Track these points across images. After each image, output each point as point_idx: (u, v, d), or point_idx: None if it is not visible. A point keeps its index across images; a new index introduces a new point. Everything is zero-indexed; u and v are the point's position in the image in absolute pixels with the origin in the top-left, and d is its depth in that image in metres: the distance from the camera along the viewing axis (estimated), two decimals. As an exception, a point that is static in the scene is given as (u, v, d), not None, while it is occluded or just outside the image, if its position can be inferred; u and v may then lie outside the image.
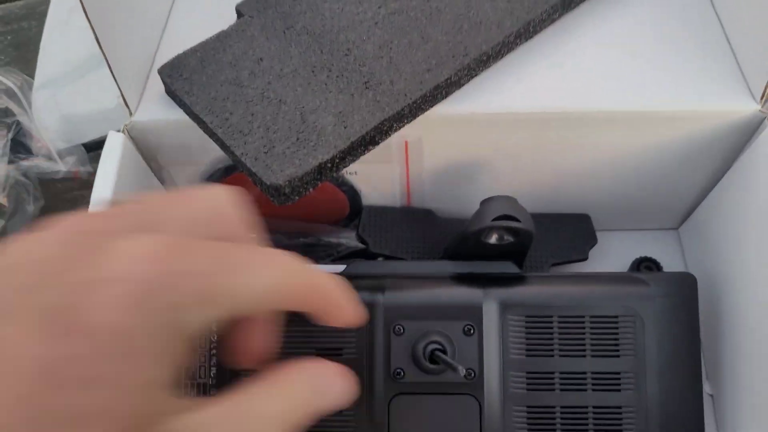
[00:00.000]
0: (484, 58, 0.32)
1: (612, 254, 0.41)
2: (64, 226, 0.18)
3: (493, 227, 0.33)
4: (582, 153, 0.35)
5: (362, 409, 0.32)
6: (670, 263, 0.41)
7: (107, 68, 0.31)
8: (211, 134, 0.30)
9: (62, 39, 0.48)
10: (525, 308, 0.33)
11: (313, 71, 0.31)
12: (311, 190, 0.29)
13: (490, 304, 0.33)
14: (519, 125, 0.33)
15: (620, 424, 0.32)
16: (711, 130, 0.33)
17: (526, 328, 0.33)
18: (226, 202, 0.20)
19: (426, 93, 0.31)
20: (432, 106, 0.32)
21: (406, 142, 0.33)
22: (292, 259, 0.19)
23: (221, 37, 0.33)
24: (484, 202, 0.34)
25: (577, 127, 0.33)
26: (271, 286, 0.18)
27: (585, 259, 0.39)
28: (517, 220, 0.33)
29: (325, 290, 0.20)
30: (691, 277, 0.34)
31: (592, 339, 0.33)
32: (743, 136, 0.33)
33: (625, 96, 0.32)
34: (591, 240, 0.40)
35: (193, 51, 0.33)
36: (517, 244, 0.34)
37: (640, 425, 0.32)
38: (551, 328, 0.33)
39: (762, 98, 0.31)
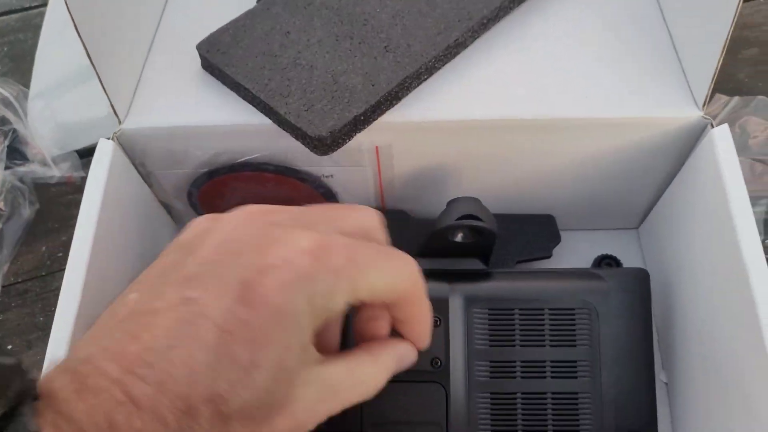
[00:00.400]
0: (485, 21, 0.36)
1: (575, 252, 0.43)
2: (239, 214, 0.24)
3: (458, 226, 0.35)
4: (543, 158, 0.37)
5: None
6: (631, 261, 0.43)
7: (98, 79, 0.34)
8: (253, 99, 0.34)
9: (56, 51, 0.50)
10: (489, 301, 0.35)
11: (337, 40, 0.35)
12: (348, 141, 0.33)
13: (456, 297, 0.35)
14: (481, 132, 0.35)
15: (577, 410, 0.34)
16: (659, 136, 0.35)
17: (490, 319, 0.35)
18: (372, 218, 0.26)
19: (439, 53, 0.35)
20: (444, 65, 0.36)
21: (377, 147, 0.36)
22: (414, 269, 0.25)
23: (249, 16, 0.37)
24: (450, 203, 0.36)
25: (536, 134, 0.35)
26: (394, 286, 0.24)
27: (549, 256, 0.41)
28: (480, 220, 0.35)
29: (421, 305, 0.27)
30: (644, 272, 0.36)
31: (550, 330, 0.35)
32: (689, 141, 0.35)
33: (579, 104, 0.34)
34: (555, 239, 0.42)
35: (224, 29, 0.36)
36: (481, 242, 0.36)
37: (595, 410, 0.34)
38: (513, 319, 0.35)
39: (704, 105, 0.34)
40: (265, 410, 0.21)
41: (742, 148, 0.43)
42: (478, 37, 0.37)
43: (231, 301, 0.21)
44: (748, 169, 0.42)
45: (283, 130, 0.34)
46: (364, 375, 0.26)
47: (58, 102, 0.48)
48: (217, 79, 0.36)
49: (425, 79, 0.35)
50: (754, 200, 0.41)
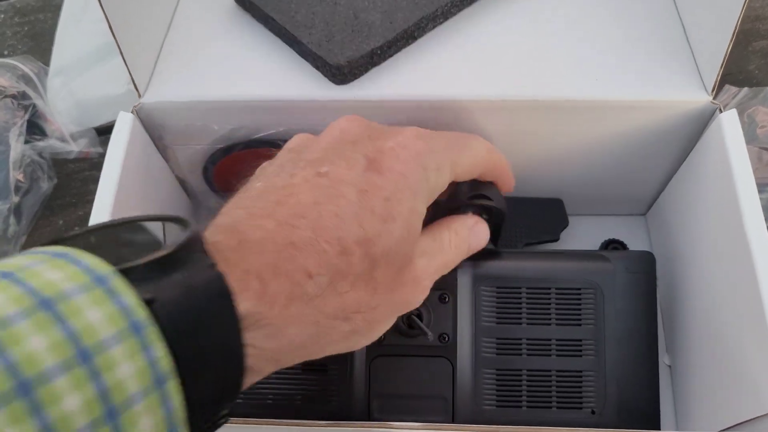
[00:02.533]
0: None
1: (583, 237, 0.44)
2: (334, 126, 0.29)
3: (469, 204, 0.36)
4: (552, 139, 0.38)
5: (345, 370, 0.36)
6: (638, 246, 0.44)
7: (117, 57, 0.34)
8: (279, 30, 0.37)
9: (76, 30, 0.51)
10: (496, 280, 0.36)
11: None
12: (364, 73, 0.36)
13: (465, 275, 0.36)
14: (492, 112, 0.36)
15: (580, 387, 0.35)
16: (668, 120, 0.36)
17: (497, 298, 0.36)
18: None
19: None
20: (459, 11, 0.38)
21: (390, 126, 0.36)
22: (487, 143, 0.31)
23: None
24: (462, 182, 0.37)
25: (546, 115, 0.36)
26: (479, 159, 0.30)
27: (556, 240, 0.42)
28: (490, 199, 0.36)
29: (504, 165, 0.33)
30: (650, 255, 0.37)
31: (556, 309, 0.36)
32: (697, 127, 0.36)
33: (589, 86, 0.35)
34: (563, 222, 0.43)
35: None
36: (491, 222, 0.37)
37: (598, 388, 0.35)
38: (520, 298, 0.36)
39: (713, 90, 0.34)
40: (400, 259, 0.25)
41: (750, 137, 0.44)
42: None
43: (362, 170, 0.25)
44: (756, 158, 0.43)
45: (305, 60, 0.36)
46: (447, 239, 0.30)
47: (77, 80, 0.49)
48: (247, 11, 0.39)
49: (441, 23, 0.38)
50: (761, 188, 0.41)
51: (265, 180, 0.25)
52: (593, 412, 0.35)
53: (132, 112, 0.36)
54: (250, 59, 0.37)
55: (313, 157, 0.26)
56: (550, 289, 0.36)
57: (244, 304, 0.20)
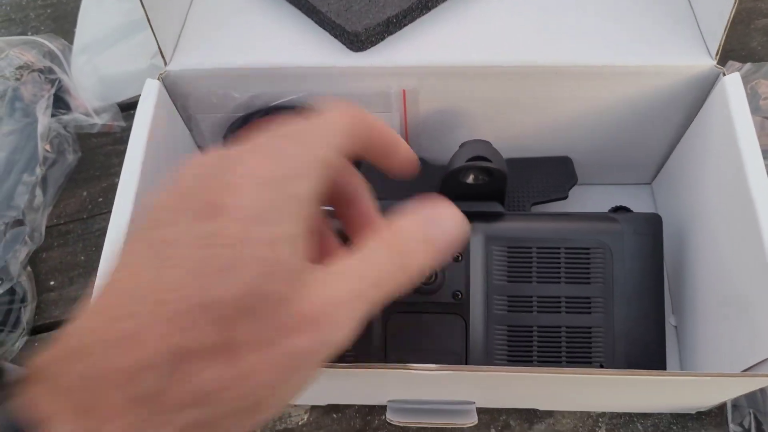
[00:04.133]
0: None
1: (591, 204, 0.45)
2: (191, 166, 0.21)
3: (468, 167, 0.37)
4: (559, 104, 0.39)
5: (361, 327, 0.37)
6: (644, 214, 0.45)
7: (138, 34, 0.36)
8: (299, 1, 0.38)
9: (98, 9, 0.53)
10: (508, 240, 0.37)
11: None
12: (380, 41, 0.37)
13: (477, 235, 0.37)
14: (500, 78, 0.37)
15: (590, 343, 0.36)
16: (672, 85, 0.37)
17: (509, 257, 0.37)
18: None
19: None
20: None
21: (404, 91, 0.38)
22: (352, 108, 0.23)
23: None
24: (461, 146, 0.38)
25: (553, 80, 0.37)
26: (342, 130, 0.22)
27: (565, 197, 0.42)
28: (489, 161, 0.37)
29: (382, 129, 0.24)
30: (657, 216, 0.38)
31: (566, 268, 0.37)
32: (701, 92, 0.37)
33: (595, 51, 0.36)
34: (571, 179, 0.43)
35: None
36: (492, 183, 0.38)
37: (607, 344, 0.36)
38: (530, 257, 0.37)
39: (716, 55, 0.36)
40: (271, 303, 0.19)
41: (754, 108, 0.45)
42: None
43: (199, 220, 0.19)
44: (759, 127, 0.44)
45: (324, 29, 0.38)
46: (371, 250, 0.22)
47: (100, 57, 0.50)
48: None
49: None
50: (764, 154, 0.42)
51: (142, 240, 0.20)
52: (602, 366, 0.36)
53: (158, 79, 0.37)
54: (270, 29, 0.39)
55: (159, 218, 0.20)
56: (559, 248, 0.37)
57: (63, 428, 0.17)
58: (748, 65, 0.49)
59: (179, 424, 0.18)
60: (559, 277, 0.37)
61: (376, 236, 0.22)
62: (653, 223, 0.38)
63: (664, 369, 0.37)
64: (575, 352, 0.36)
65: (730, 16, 0.34)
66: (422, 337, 0.37)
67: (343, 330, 0.20)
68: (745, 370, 0.31)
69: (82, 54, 0.51)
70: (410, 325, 0.37)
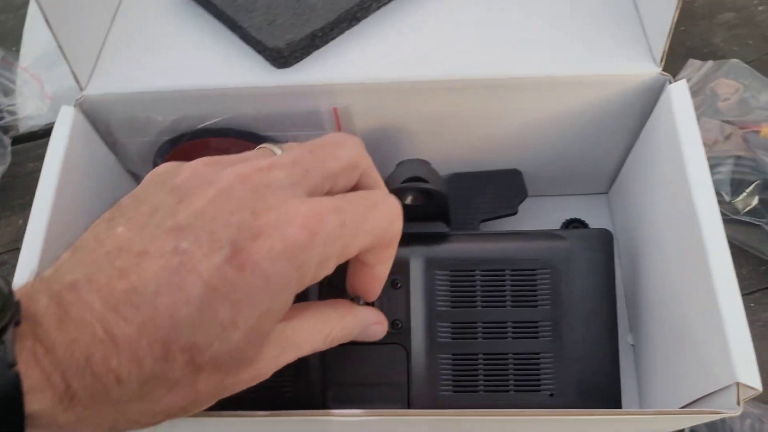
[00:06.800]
0: None
1: (545, 217, 0.43)
2: (239, 168, 0.23)
3: (405, 188, 0.35)
4: (506, 117, 0.37)
5: (299, 360, 0.35)
6: (600, 225, 0.43)
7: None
8: (221, 15, 0.37)
9: (44, 27, 0.51)
10: (450, 263, 0.35)
11: None
12: (305, 56, 0.35)
13: (417, 259, 0.35)
14: (440, 92, 0.35)
15: (538, 370, 0.34)
16: (620, 94, 0.35)
17: (451, 280, 0.35)
18: (355, 148, 0.27)
19: None
20: None
21: (335, 109, 0.36)
22: (397, 213, 0.26)
23: None
24: (397, 166, 0.36)
25: (497, 93, 0.35)
26: (378, 238, 0.25)
27: (515, 213, 0.40)
28: (426, 181, 0.35)
29: (394, 247, 0.27)
30: (607, 232, 0.36)
31: (512, 291, 0.35)
32: (649, 100, 0.35)
33: (536, 62, 0.34)
34: (520, 193, 0.41)
35: None
36: (432, 203, 0.36)
37: (556, 369, 0.34)
38: (474, 281, 0.35)
39: (661, 61, 0.34)
40: (234, 364, 0.22)
41: (712, 111, 0.43)
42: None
43: (221, 260, 0.21)
44: (719, 131, 0.42)
45: (248, 45, 0.36)
46: (326, 333, 0.27)
47: (45, 74, 0.49)
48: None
49: (386, 3, 0.37)
50: (722, 160, 0.41)
51: (127, 229, 0.22)
52: (551, 395, 0.34)
53: (75, 106, 0.35)
54: (193, 48, 0.37)
55: (181, 222, 0.22)
56: (504, 270, 0.35)
57: (38, 404, 0.19)
58: (709, 63, 0.47)
59: (124, 426, 0.22)
60: (505, 301, 0.35)
61: (333, 316, 0.28)
62: (603, 240, 0.36)
63: (618, 393, 0.35)
64: (523, 379, 0.34)
65: (673, 20, 0.32)
66: (362, 369, 0.35)
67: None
68: (692, 403, 0.29)
69: (25, 72, 0.49)
70: (349, 358, 0.35)
